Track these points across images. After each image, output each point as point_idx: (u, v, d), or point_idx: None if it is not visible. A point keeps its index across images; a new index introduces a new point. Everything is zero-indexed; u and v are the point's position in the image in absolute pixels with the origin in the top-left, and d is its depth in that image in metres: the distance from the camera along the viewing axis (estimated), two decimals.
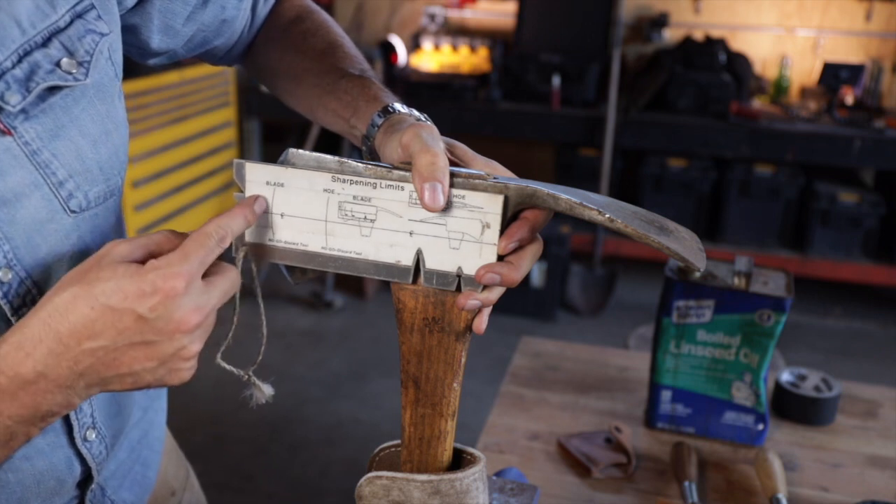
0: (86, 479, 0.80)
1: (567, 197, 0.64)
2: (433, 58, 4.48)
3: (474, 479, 0.72)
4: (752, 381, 1.22)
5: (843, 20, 4.24)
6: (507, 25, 4.57)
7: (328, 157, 0.68)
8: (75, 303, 0.58)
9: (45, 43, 0.66)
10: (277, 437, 2.88)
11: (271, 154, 4.41)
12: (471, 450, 0.75)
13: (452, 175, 0.65)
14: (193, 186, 4.04)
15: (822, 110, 4.00)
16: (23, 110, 0.65)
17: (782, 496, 1.08)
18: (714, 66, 3.96)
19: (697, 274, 1.21)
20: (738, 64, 4.04)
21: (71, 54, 0.68)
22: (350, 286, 4.05)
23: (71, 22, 0.68)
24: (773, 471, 1.12)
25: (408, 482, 0.71)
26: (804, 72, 4.33)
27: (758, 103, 4.13)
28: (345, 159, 0.68)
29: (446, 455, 0.74)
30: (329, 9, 4.66)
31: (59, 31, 0.67)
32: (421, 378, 0.72)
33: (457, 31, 4.68)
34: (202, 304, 0.61)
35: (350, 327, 3.75)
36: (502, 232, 0.66)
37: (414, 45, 4.56)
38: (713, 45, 4.07)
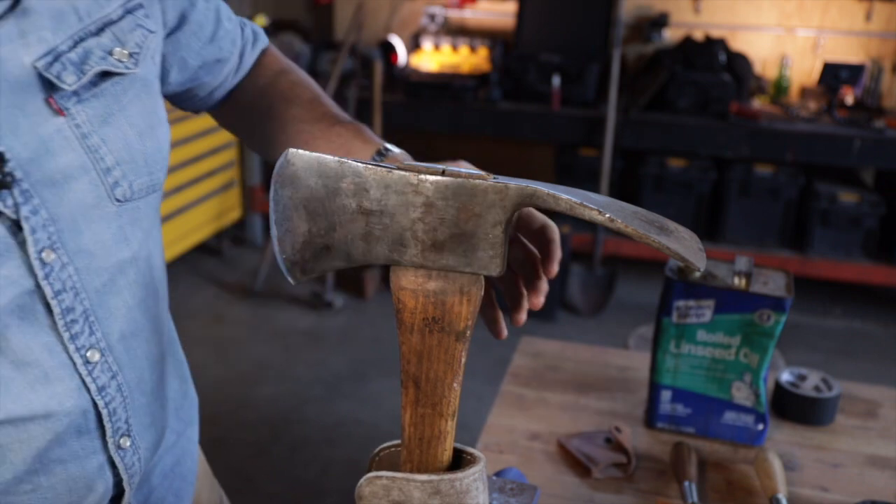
0: (118, 497, 0.80)
1: (567, 197, 0.64)
2: (433, 58, 4.48)
3: (474, 479, 0.72)
4: (752, 381, 1.22)
5: (843, 20, 4.24)
6: (507, 25, 4.58)
7: (328, 157, 0.68)
8: None
9: (99, 32, 0.70)
10: (278, 437, 2.88)
11: None
12: (471, 450, 0.75)
13: (453, 175, 0.66)
14: (193, 186, 4.04)
15: (822, 110, 4.00)
16: (75, 93, 0.68)
17: (782, 496, 1.08)
18: (714, 66, 3.95)
19: (697, 274, 1.21)
20: (738, 64, 4.04)
21: (122, 45, 0.72)
22: (350, 286, 4.05)
23: (122, 16, 0.73)
24: (773, 471, 1.12)
25: (408, 482, 0.71)
26: (804, 72, 4.33)
27: (758, 103, 4.13)
28: (345, 159, 0.68)
29: (446, 455, 0.74)
30: (329, 9, 4.66)
31: (112, 22, 0.72)
32: (421, 378, 0.72)
33: (457, 31, 4.68)
34: None
35: (350, 327, 3.75)
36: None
37: (414, 45, 4.56)
38: (713, 45, 4.07)
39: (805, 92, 4.28)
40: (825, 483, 1.17)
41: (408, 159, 0.79)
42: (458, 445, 0.75)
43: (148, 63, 0.76)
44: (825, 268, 3.87)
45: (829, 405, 1.32)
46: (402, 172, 0.66)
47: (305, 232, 0.70)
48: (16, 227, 0.65)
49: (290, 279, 0.74)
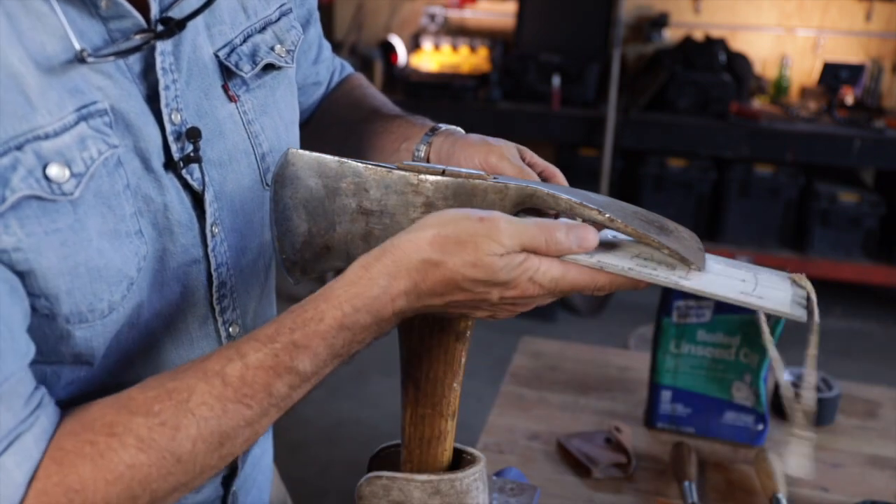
0: (231, 474, 0.84)
1: (567, 197, 0.64)
2: (433, 58, 4.48)
3: (474, 479, 0.72)
4: (751, 381, 1.22)
5: (843, 20, 4.24)
6: (507, 25, 4.57)
7: (328, 157, 0.68)
8: (440, 269, 0.61)
9: (262, 30, 0.78)
10: (277, 437, 2.88)
11: None
12: (471, 450, 0.75)
13: (453, 175, 0.66)
14: None
15: (822, 110, 4.00)
16: (245, 82, 0.75)
17: (782, 496, 1.08)
18: (714, 66, 3.95)
19: None
20: (738, 64, 4.04)
21: (281, 42, 0.80)
22: None
23: (279, 17, 0.80)
24: (773, 471, 1.12)
25: (408, 482, 0.71)
26: (804, 72, 4.32)
27: (758, 103, 4.13)
28: (345, 159, 0.68)
29: (446, 455, 0.74)
30: (329, 9, 4.66)
31: (272, 22, 0.79)
32: (421, 378, 0.72)
33: (457, 31, 4.68)
34: (537, 303, 0.67)
35: None
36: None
37: (414, 45, 4.56)
38: (713, 45, 4.07)
39: (805, 92, 4.27)
40: (825, 483, 1.17)
41: (459, 132, 0.84)
42: (458, 445, 0.75)
43: (296, 62, 0.83)
44: (825, 268, 3.87)
45: (829, 405, 1.32)
46: (402, 172, 0.66)
47: (305, 232, 0.70)
48: (195, 200, 0.70)
49: (290, 279, 0.74)
